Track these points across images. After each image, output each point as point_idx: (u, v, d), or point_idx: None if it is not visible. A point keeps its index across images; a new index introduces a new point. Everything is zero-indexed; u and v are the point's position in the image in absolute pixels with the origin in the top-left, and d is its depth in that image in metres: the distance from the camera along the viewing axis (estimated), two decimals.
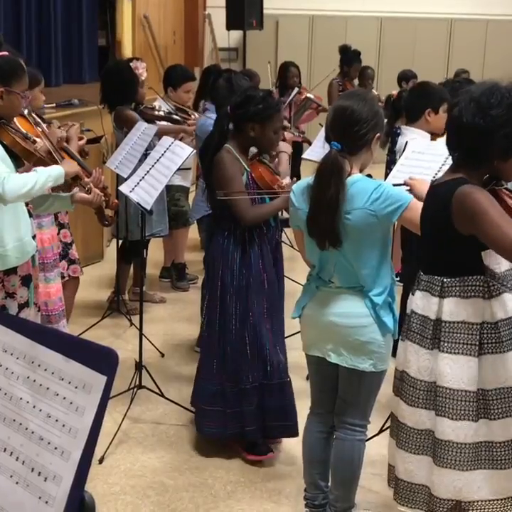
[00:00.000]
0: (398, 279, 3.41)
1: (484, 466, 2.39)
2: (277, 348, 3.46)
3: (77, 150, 3.81)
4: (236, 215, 3.33)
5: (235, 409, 3.45)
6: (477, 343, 2.34)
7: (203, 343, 3.63)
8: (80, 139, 4.03)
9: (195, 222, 5.77)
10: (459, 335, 2.35)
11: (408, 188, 2.78)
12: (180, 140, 4.42)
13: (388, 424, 3.53)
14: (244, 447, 3.55)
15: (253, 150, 3.54)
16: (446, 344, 2.36)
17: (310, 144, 6.41)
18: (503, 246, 2.20)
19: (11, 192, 2.80)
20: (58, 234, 4.11)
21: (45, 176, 2.95)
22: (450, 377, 2.35)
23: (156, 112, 5.33)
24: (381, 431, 3.58)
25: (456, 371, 2.35)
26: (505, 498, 2.42)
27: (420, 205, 2.54)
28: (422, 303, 2.44)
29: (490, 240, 2.23)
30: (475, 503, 2.40)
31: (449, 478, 2.39)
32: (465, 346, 2.34)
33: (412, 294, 2.51)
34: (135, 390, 3.90)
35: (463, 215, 2.27)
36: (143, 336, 4.05)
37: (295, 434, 3.44)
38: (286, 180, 3.50)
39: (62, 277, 4.14)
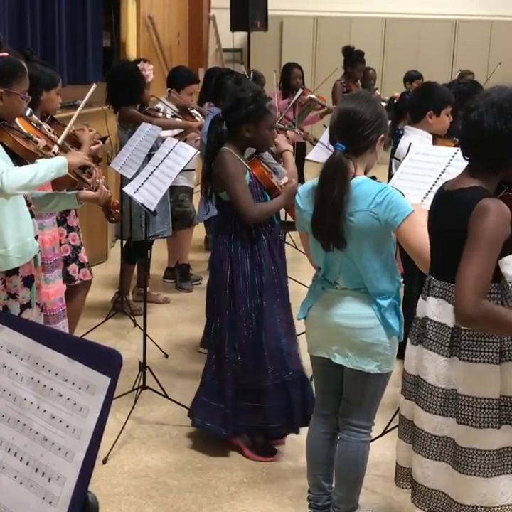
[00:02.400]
0: (402, 280, 3.40)
1: (507, 471, 2.37)
2: (295, 343, 3.48)
3: (89, 155, 3.75)
4: (239, 212, 3.34)
5: (257, 404, 3.48)
6: (498, 350, 2.30)
7: (222, 348, 3.54)
8: (95, 143, 4.01)
9: (201, 222, 5.80)
10: (479, 342, 2.31)
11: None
12: (185, 141, 4.43)
13: (392, 425, 3.55)
14: (249, 446, 3.56)
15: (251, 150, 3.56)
16: (466, 352, 2.32)
17: (312, 142, 6.41)
18: (457, 290, 2.20)
19: (10, 184, 2.78)
20: (67, 237, 4.12)
21: (45, 167, 2.93)
22: (471, 385, 2.32)
23: (160, 115, 5.34)
24: (384, 432, 3.57)
25: (477, 379, 2.32)
26: None
27: (419, 220, 2.54)
28: (438, 310, 2.40)
29: (459, 268, 2.23)
30: (494, 509, 2.39)
31: (474, 486, 2.36)
32: (485, 354, 2.31)
33: (423, 299, 2.48)
34: (139, 390, 3.90)
35: (471, 225, 2.25)
36: (147, 337, 4.05)
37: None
38: (285, 180, 3.52)
39: (73, 280, 4.15)
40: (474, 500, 2.38)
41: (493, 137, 2.26)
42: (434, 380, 2.40)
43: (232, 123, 3.40)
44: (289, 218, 3.61)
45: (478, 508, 2.38)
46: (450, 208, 2.37)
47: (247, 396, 3.48)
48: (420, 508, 2.54)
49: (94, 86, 4.03)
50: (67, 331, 3.98)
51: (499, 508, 2.38)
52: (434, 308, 2.41)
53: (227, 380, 3.48)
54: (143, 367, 3.95)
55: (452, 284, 2.34)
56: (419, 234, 2.56)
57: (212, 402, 3.52)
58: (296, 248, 5.97)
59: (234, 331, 3.45)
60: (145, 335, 4.03)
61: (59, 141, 3.44)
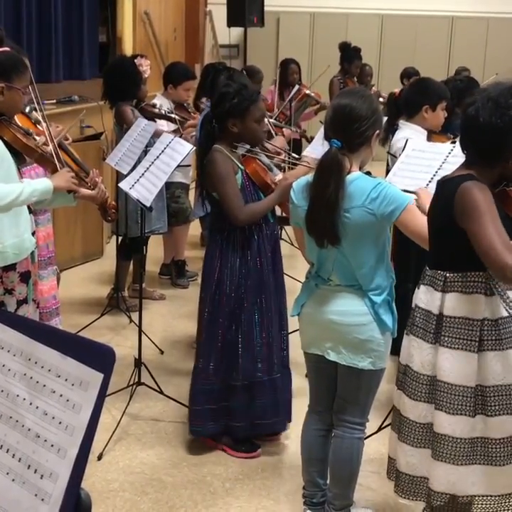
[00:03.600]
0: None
1: (479, 462, 2.41)
2: (273, 346, 3.46)
3: None
4: (228, 214, 3.31)
5: (223, 404, 3.47)
6: (477, 339, 2.35)
7: (201, 343, 3.59)
8: (65, 140, 4.00)
9: (197, 219, 5.79)
10: (459, 330, 2.36)
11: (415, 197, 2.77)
12: (181, 137, 4.41)
13: (387, 422, 3.55)
14: (229, 445, 3.56)
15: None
16: (446, 339, 2.38)
17: (308, 140, 6.40)
18: (488, 257, 2.20)
19: None
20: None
21: (30, 189, 2.89)
22: (449, 371, 2.37)
23: (156, 110, 5.33)
24: (380, 429, 3.58)
25: (454, 366, 2.36)
26: (499, 495, 2.43)
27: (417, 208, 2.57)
28: (425, 297, 2.46)
29: (477, 244, 2.23)
30: (464, 498, 2.42)
31: (444, 472, 2.41)
32: (465, 342, 2.36)
33: (418, 288, 2.53)
34: (134, 386, 3.90)
35: (461, 209, 2.28)
36: (142, 333, 4.05)
37: (283, 429, 3.58)
38: (279, 177, 3.50)
39: None
40: (444, 487, 2.41)
41: (489, 131, 2.29)
42: (419, 367, 2.43)
43: (219, 119, 3.36)
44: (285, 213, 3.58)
45: (448, 496, 2.40)
46: (440, 196, 2.42)
47: (221, 395, 3.48)
48: (404, 497, 2.57)
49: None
50: (60, 328, 3.98)
51: (468, 498, 2.40)
52: (422, 296, 2.47)
53: (207, 379, 3.49)
54: (138, 363, 3.95)
55: (439, 271, 2.39)
56: (420, 220, 2.57)
57: (199, 406, 3.54)
58: (292, 245, 5.96)
59: (214, 329, 3.44)
60: (140, 331, 4.03)
61: (56, 140, 3.43)
